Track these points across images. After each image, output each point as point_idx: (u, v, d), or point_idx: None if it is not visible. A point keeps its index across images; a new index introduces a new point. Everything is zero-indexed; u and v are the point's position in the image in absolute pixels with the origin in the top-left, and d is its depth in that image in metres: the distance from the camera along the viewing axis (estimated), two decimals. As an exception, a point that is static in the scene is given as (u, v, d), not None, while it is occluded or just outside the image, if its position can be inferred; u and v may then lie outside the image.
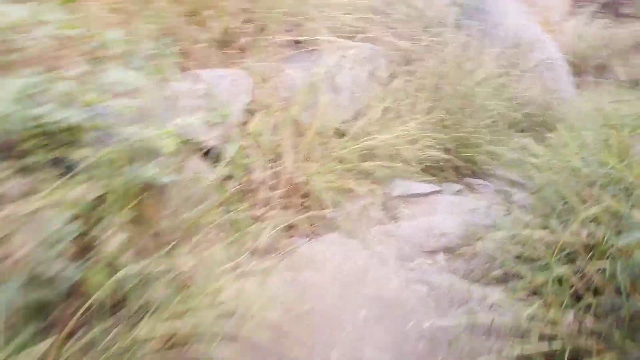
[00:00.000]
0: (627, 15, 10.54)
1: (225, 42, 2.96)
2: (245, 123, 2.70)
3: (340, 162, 2.84)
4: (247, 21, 3.06)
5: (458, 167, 4.43)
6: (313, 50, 3.06)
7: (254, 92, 2.72)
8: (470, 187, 4.39)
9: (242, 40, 2.94)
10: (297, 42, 3.12)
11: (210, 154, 2.54)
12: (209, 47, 2.86)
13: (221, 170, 2.40)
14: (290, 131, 2.66)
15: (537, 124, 5.56)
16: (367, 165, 2.95)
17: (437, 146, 3.69)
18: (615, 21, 9.81)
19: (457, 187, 4.23)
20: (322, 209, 2.61)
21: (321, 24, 3.14)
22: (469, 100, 4.47)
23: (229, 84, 2.63)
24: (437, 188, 3.36)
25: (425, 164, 3.56)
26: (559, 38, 9.33)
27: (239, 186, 2.45)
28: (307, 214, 2.58)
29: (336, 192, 2.70)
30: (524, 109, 5.29)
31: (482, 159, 4.46)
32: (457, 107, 4.26)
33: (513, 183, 4.82)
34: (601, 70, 9.52)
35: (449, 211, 3.08)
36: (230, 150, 2.46)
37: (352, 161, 2.92)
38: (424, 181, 3.43)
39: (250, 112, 2.75)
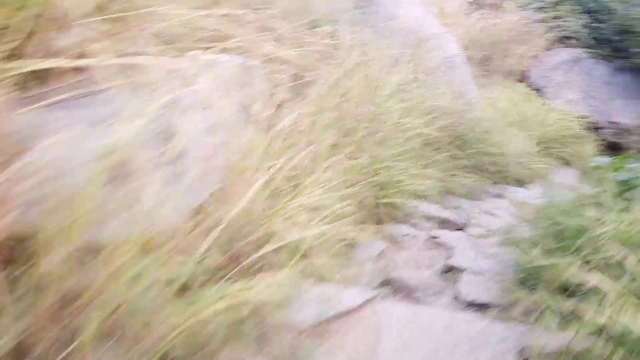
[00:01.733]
0: (500, 7, 10.40)
1: None
2: None
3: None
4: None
5: (378, 214, 3.27)
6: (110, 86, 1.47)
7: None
8: (395, 240, 3.26)
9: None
10: (77, 69, 1.57)
11: None
12: None
13: None
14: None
15: (455, 139, 4.65)
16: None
17: (352, 207, 2.48)
18: (495, 12, 9.51)
19: (380, 245, 3.08)
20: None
21: (145, 28, 1.72)
22: (381, 122, 3.32)
23: None
24: (368, 294, 2.12)
25: (338, 245, 2.32)
26: (457, 32, 8.75)
27: None
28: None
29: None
30: (439, 122, 4.31)
31: (404, 201, 3.35)
32: (369, 136, 3.09)
33: (444, 222, 3.81)
34: (487, 62, 9.20)
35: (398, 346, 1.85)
36: None
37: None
38: (346, 282, 2.17)
39: None
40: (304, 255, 1.90)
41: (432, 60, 5.10)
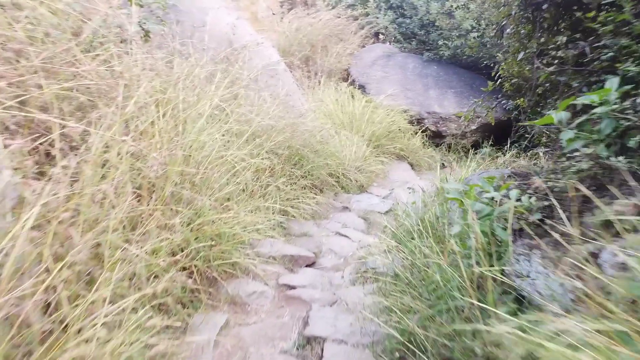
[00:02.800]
0: (314, 5, 10.39)
1: None
2: None
3: None
4: None
5: (210, 277, 2.61)
6: None
7: None
8: (239, 304, 2.65)
9: None
10: None
11: None
12: None
13: None
14: None
15: (290, 158, 4.18)
16: None
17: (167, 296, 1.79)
18: (308, 11, 9.40)
19: (221, 318, 2.43)
20: None
21: None
22: (197, 164, 2.66)
23: None
24: None
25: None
26: (273, 36, 8.32)
27: None
28: None
29: None
30: (269, 143, 3.78)
31: (240, 253, 2.76)
32: (183, 189, 2.41)
33: (293, 260, 3.30)
34: (308, 64, 9.05)
35: None
36: None
37: None
38: None
39: None
40: None
41: (251, 71, 4.56)
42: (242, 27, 5.03)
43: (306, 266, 3.29)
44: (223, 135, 3.08)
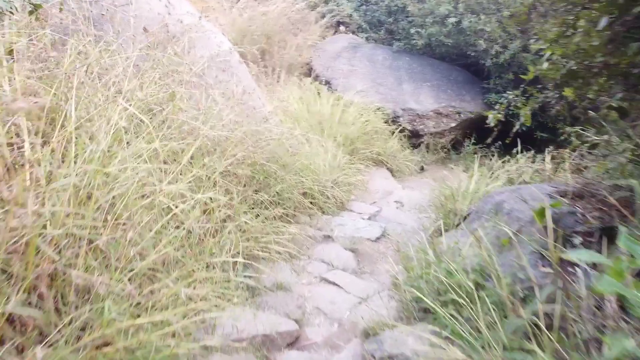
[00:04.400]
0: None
1: None
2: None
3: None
4: None
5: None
6: None
7: None
8: None
9: None
10: None
11: None
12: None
13: None
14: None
15: (254, 179, 3.08)
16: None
17: None
18: (261, -2, 8.25)
19: None
20: None
21: None
22: (94, 212, 1.53)
23: None
24: None
25: None
26: (222, 23, 7.11)
27: None
28: None
29: None
30: (223, 163, 2.68)
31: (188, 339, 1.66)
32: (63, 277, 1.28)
33: (267, 339, 2.22)
34: (264, 58, 7.95)
35: None
36: None
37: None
38: None
39: None
40: None
41: (195, 63, 3.43)
42: (181, 7, 3.87)
43: (288, 346, 2.22)
44: (151, 158, 1.95)
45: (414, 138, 7.17)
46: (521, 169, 4.22)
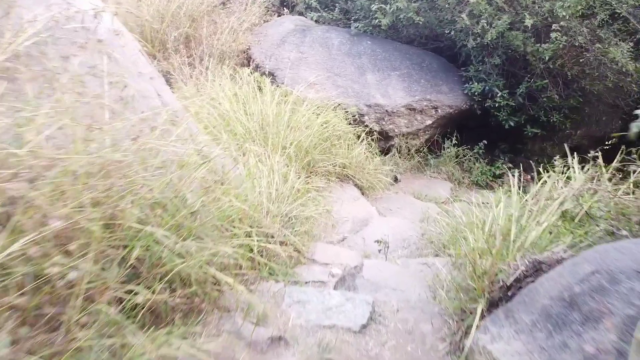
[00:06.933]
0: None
1: None
2: None
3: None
4: None
5: None
6: None
7: None
8: None
9: None
10: None
11: None
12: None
13: None
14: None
15: (128, 280, 1.50)
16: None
17: None
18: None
19: None
20: None
21: None
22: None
23: None
24: None
25: None
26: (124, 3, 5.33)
27: None
28: None
29: None
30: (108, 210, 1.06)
31: None
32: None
33: None
34: (188, 45, 6.28)
35: None
36: None
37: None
38: None
39: None
40: None
41: (72, 59, 1.78)
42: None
43: None
44: None
45: (383, 141, 5.72)
46: (561, 188, 2.78)
